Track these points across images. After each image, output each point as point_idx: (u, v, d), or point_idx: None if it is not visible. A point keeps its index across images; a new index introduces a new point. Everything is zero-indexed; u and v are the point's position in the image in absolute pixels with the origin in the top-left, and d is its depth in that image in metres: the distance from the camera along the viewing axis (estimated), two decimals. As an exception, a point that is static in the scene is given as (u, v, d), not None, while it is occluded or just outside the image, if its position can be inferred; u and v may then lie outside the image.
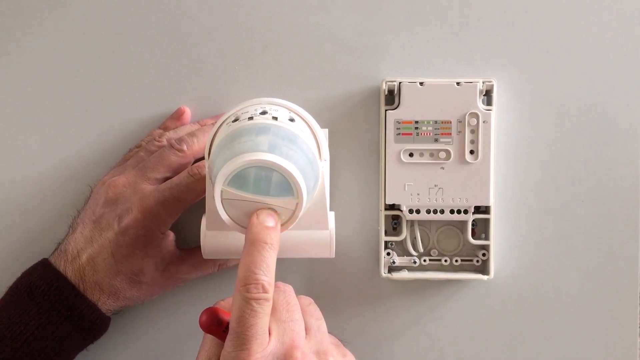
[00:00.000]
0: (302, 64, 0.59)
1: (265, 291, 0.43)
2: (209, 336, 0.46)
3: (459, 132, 0.57)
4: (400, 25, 0.59)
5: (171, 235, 0.57)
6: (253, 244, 0.44)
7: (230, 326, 0.44)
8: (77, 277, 0.54)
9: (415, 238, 0.59)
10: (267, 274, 0.44)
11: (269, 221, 0.45)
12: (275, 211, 0.45)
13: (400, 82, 0.57)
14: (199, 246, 0.53)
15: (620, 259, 0.59)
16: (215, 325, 0.45)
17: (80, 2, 0.59)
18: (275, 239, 0.45)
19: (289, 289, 0.48)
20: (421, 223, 0.59)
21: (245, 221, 0.45)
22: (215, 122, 0.49)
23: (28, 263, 0.56)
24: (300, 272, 0.60)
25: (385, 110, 0.58)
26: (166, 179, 0.56)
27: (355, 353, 0.61)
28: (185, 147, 0.56)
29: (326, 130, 0.58)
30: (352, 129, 0.60)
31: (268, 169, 0.43)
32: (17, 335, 0.52)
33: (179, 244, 0.58)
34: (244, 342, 0.43)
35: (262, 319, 0.43)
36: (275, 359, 0.44)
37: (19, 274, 0.56)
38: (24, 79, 0.60)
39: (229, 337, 0.43)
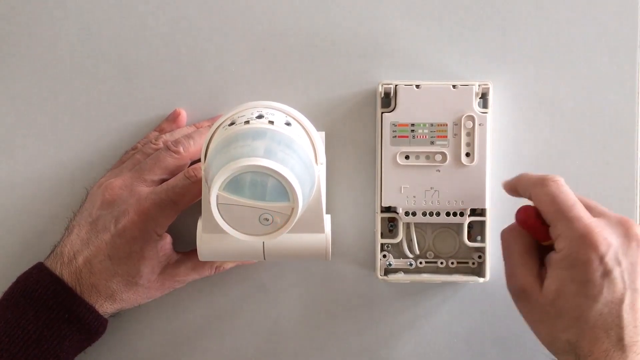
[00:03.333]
0: (298, 67, 0.59)
1: (557, 178, 0.51)
2: (518, 235, 0.53)
3: (455, 134, 0.57)
4: (396, 28, 0.59)
5: (168, 238, 0.57)
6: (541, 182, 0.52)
7: (548, 211, 0.50)
8: (74, 279, 0.54)
9: (411, 240, 0.59)
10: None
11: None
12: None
13: (396, 85, 0.57)
14: (196, 248, 0.53)
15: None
16: (534, 219, 0.51)
17: (77, 5, 0.59)
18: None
19: None
20: (417, 225, 0.60)
21: (240, 226, 0.45)
22: (212, 125, 0.49)
23: (24, 266, 0.56)
24: (296, 275, 0.61)
25: (382, 113, 0.58)
26: (162, 181, 0.56)
27: (351, 355, 0.61)
28: (181, 149, 0.56)
29: (322, 133, 0.58)
30: (349, 132, 0.60)
31: (264, 174, 0.43)
32: (14, 340, 0.52)
33: (176, 246, 0.58)
34: (571, 211, 0.49)
35: (571, 193, 0.50)
36: (610, 226, 0.49)
37: (14, 277, 0.55)
38: (20, 81, 0.60)
39: (552, 220, 0.50)
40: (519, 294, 0.52)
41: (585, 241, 0.48)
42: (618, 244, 0.48)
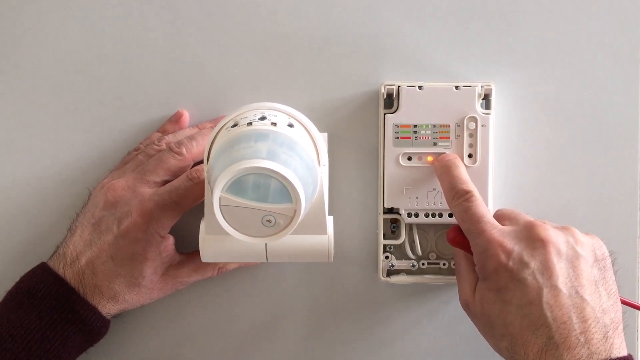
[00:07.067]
0: (301, 68, 0.59)
1: (467, 190, 0.53)
2: (460, 252, 0.54)
3: (458, 136, 0.57)
4: (399, 29, 0.59)
5: (171, 239, 0.57)
6: (445, 168, 0.55)
7: (462, 228, 0.52)
8: (77, 280, 0.54)
9: (413, 242, 0.59)
10: (463, 183, 0.53)
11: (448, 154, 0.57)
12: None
13: (399, 86, 0.57)
14: (199, 250, 0.53)
15: (618, 264, 0.59)
16: (460, 236, 0.53)
17: (80, 5, 0.59)
18: (458, 158, 0.56)
19: None
20: (420, 226, 0.60)
21: (243, 227, 0.45)
22: (214, 127, 0.49)
23: (26, 266, 0.56)
24: (299, 277, 0.61)
25: (384, 114, 0.58)
26: (165, 182, 0.56)
27: (354, 356, 0.61)
28: (184, 151, 0.56)
29: (325, 135, 0.58)
30: (351, 133, 0.60)
31: (266, 176, 0.43)
32: (17, 339, 0.52)
33: (179, 247, 0.58)
34: (475, 226, 0.51)
35: (480, 207, 0.52)
36: (515, 232, 0.50)
37: (17, 278, 0.56)
38: (22, 81, 0.60)
39: (467, 237, 0.52)
40: (465, 308, 0.53)
41: (487, 253, 0.50)
42: (522, 248, 0.49)
